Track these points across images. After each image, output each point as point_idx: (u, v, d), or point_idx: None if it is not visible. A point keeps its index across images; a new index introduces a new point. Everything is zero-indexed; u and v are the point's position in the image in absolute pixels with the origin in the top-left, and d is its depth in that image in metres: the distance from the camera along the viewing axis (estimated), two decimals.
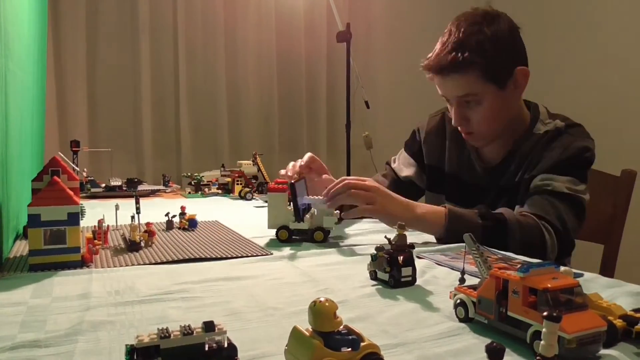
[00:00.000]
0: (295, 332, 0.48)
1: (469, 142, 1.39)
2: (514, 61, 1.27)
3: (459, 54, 1.21)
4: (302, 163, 1.39)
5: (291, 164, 1.40)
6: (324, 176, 1.40)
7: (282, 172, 1.39)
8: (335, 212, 1.11)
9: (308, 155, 1.42)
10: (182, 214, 1.25)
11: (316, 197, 1.14)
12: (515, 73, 1.26)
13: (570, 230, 1.20)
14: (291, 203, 1.12)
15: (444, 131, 1.48)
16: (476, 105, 1.27)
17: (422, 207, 1.18)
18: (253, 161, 1.94)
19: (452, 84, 1.27)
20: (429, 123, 1.53)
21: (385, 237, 0.83)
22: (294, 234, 1.10)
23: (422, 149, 1.53)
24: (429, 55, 1.28)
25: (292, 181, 1.11)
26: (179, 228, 1.23)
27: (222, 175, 1.98)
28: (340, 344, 0.46)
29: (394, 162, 1.60)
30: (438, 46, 1.27)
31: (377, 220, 1.36)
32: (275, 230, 1.11)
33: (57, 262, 0.86)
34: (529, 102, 1.38)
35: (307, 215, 1.12)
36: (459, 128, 1.34)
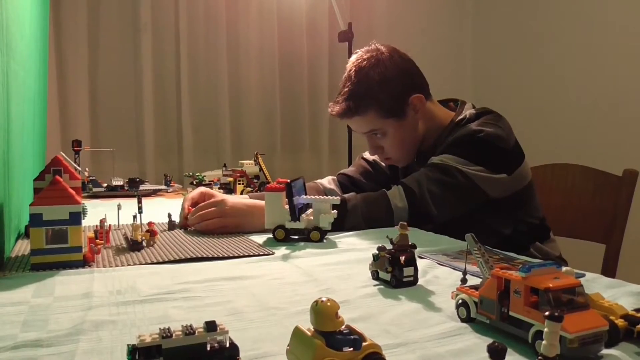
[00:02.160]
0: (297, 332, 0.48)
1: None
2: (407, 92, 1.37)
3: (352, 102, 1.35)
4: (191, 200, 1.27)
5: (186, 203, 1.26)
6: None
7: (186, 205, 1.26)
8: (333, 211, 1.11)
9: (199, 190, 1.30)
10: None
11: (314, 197, 1.13)
12: (410, 102, 1.37)
13: (428, 196, 1.21)
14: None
15: None
16: (383, 136, 1.40)
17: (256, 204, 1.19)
18: (255, 161, 1.94)
19: (355, 125, 1.43)
20: None
21: (387, 237, 0.83)
22: (291, 234, 1.10)
23: None
24: (335, 99, 1.40)
25: (289, 181, 1.11)
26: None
27: (223, 175, 1.97)
28: (342, 343, 0.46)
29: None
30: (339, 92, 1.39)
31: None
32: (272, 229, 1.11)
33: (59, 262, 0.86)
34: (457, 101, 1.45)
35: (304, 215, 1.12)
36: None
